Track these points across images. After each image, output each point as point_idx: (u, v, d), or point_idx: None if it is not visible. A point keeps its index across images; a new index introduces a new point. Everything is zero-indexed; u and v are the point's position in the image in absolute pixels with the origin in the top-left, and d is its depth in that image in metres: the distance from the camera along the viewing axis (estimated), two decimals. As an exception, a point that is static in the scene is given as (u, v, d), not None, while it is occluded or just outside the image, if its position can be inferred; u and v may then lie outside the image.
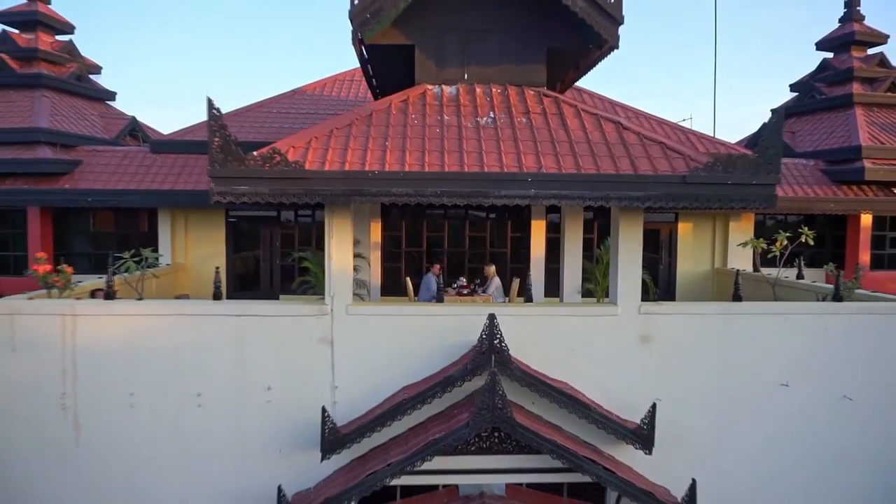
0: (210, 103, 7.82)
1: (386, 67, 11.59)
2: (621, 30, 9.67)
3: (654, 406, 8.72)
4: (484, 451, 8.49)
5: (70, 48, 17.74)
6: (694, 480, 8.40)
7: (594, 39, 9.82)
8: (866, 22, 18.86)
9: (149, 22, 62.63)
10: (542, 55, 10.32)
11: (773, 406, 9.47)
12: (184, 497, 9.05)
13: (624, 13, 9.52)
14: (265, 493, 8.77)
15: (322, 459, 8.43)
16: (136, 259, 10.16)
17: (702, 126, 38.58)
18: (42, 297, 9.33)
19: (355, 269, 10.71)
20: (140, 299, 9.46)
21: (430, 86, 10.16)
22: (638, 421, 8.80)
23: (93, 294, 10.15)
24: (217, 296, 9.53)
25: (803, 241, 11.69)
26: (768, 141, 8.08)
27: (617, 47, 9.71)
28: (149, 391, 8.92)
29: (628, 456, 9.03)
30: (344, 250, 9.19)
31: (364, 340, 9.10)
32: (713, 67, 45.05)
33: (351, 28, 9.51)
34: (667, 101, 63.05)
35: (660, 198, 8.32)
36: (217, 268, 10.53)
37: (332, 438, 8.43)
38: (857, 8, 18.64)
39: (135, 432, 8.95)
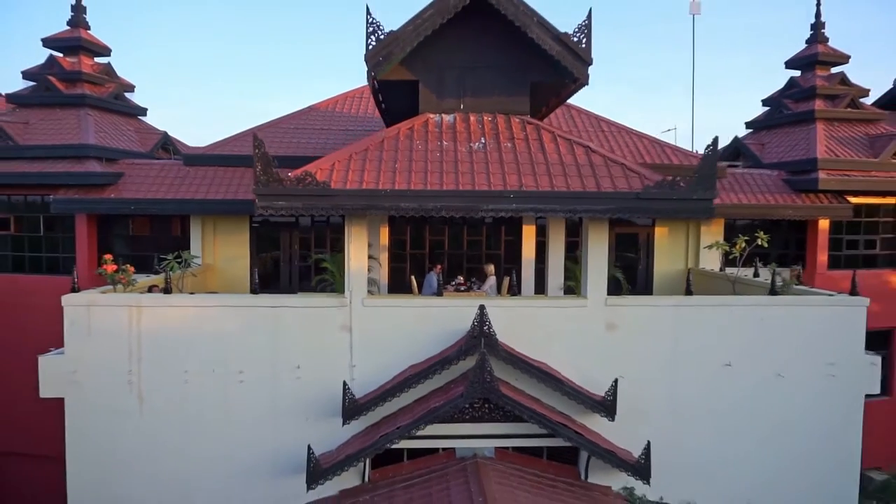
0: (255, 137, 9.64)
1: (395, 98, 13.34)
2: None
3: (615, 381, 10.49)
4: (476, 419, 10.26)
5: (108, 69, 19.41)
6: (648, 442, 10.20)
7: (569, 76, 11.59)
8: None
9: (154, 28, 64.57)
10: (526, 88, 12.08)
11: (718, 383, 11.21)
12: (228, 457, 10.80)
13: (593, 56, 11.27)
14: (295, 454, 10.47)
15: (343, 424, 10.25)
16: (178, 260, 12.05)
17: (697, 131, 40.32)
18: (109, 292, 11.17)
19: (368, 268, 12.48)
20: (191, 294, 11.33)
21: (431, 115, 11.94)
22: (603, 394, 10.59)
23: (149, 289, 11.95)
24: (254, 290, 11.36)
25: (759, 243, 13.45)
26: (705, 164, 9.86)
27: (587, 84, 11.50)
28: (200, 369, 10.69)
29: (597, 426, 10.75)
30: (360, 253, 11.00)
31: (377, 328, 10.88)
32: (692, 80, 47.25)
33: (366, 68, 11.33)
34: (669, 101, 65.10)
35: (618, 210, 10.12)
36: (255, 269, 12.34)
37: (352, 407, 10.26)
38: (822, 31, 20.30)
39: (188, 403, 10.72)
